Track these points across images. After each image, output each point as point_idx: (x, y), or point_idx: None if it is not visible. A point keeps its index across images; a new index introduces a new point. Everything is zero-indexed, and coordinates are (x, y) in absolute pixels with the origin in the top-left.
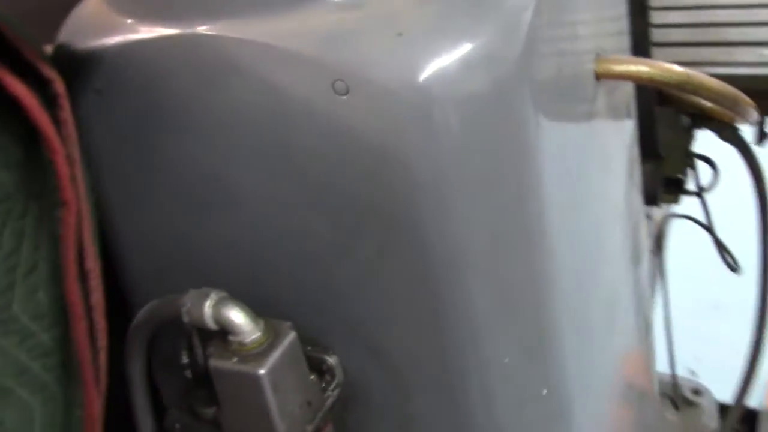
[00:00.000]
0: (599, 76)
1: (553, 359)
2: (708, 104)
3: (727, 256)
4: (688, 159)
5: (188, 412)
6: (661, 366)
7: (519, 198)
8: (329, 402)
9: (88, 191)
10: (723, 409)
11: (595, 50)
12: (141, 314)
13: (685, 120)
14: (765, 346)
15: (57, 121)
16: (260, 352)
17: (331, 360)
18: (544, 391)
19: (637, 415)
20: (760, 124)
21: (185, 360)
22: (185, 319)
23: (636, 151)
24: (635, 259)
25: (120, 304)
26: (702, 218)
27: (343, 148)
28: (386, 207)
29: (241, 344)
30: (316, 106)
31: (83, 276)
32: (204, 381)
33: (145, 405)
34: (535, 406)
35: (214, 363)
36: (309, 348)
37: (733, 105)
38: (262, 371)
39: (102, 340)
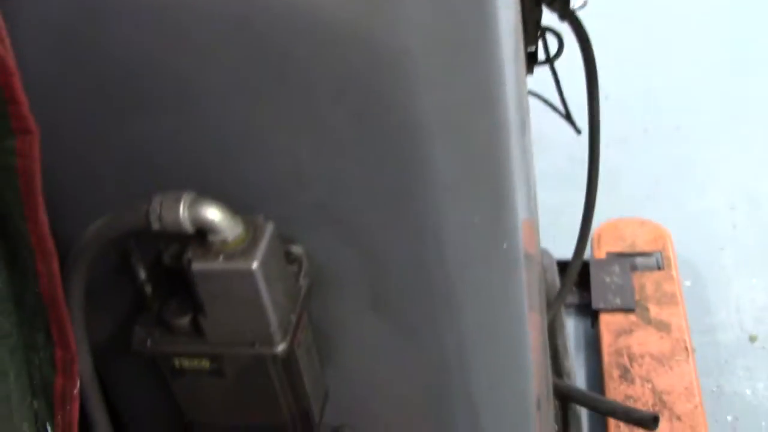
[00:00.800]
0: None
1: (512, 213)
2: None
3: (569, 118)
4: (539, 32)
5: (157, 327)
6: None
7: (481, 63)
8: (303, 290)
9: None
10: (560, 265)
11: None
12: (89, 233)
13: None
14: (595, 203)
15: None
16: (245, 248)
17: (297, 249)
18: (505, 245)
19: (532, 276)
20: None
21: (142, 276)
22: (155, 226)
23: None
24: (523, 129)
25: None
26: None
27: (312, 24)
28: (357, 81)
29: (224, 242)
30: None
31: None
32: (165, 294)
33: (82, 334)
34: (497, 260)
35: (199, 266)
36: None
37: None
38: (254, 265)
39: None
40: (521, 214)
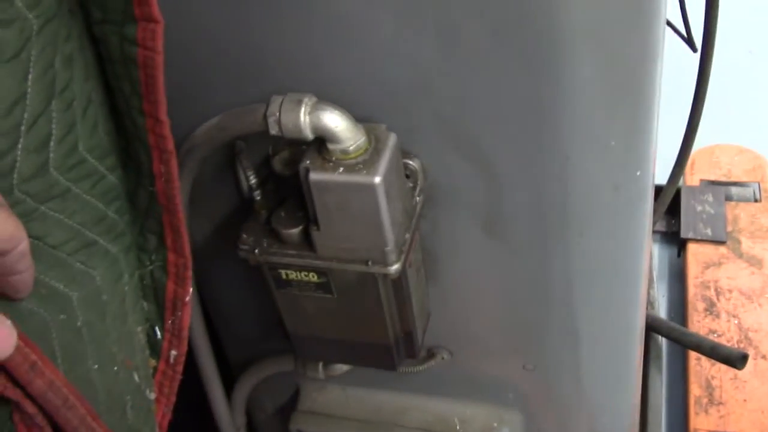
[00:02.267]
0: None
1: (649, 139)
2: None
3: (688, 35)
4: None
5: (266, 236)
6: None
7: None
8: (418, 207)
9: None
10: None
11: None
12: (199, 132)
13: None
14: (697, 129)
15: None
16: (367, 160)
17: (415, 163)
18: (638, 173)
19: None
20: None
21: (253, 181)
22: (273, 130)
23: None
24: None
25: None
26: None
27: None
28: None
29: (345, 152)
30: None
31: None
32: (277, 202)
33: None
34: (628, 189)
35: (316, 176)
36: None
37: None
38: (377, 179)
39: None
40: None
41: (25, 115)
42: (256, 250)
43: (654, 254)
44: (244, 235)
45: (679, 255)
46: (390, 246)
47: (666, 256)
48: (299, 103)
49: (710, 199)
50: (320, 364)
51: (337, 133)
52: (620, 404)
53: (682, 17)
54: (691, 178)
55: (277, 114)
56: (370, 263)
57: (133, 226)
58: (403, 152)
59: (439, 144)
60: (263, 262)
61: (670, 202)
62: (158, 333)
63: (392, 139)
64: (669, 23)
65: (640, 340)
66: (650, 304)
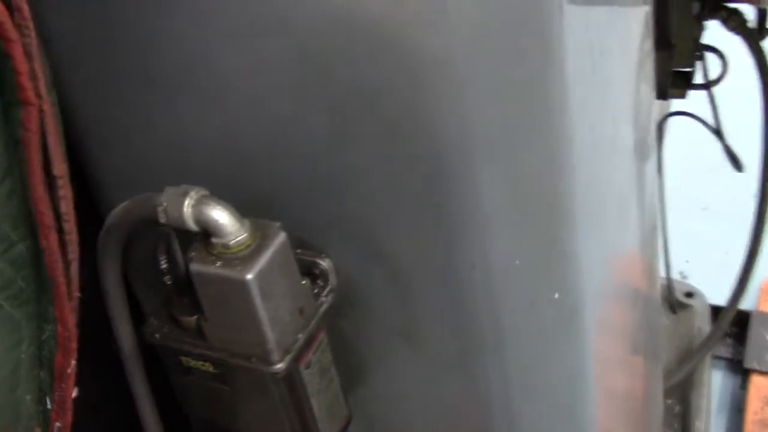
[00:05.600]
0: None
1: (567, 259)
2: None
3: (730, 152)
4: (697, 50)
5: (169, 321)
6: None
7: (541, 72)
8: (323, 308)
9: (50, 87)
10: (715, 311)
11: None
12: (112, 216)
13: (696, 6)
14: (761, 247)
15: (9, 7)
16: (247, 255)
17: (324, 263)
18: (556, 295)
19: (641, 317)
20: (762, 17)
21: (164, 265)
22: (162, 219)
23: (649, 42)
24: (643, 155)
25: (92, 213)
26: (705, 113)
27: (345, 24)
28: (393, 90)
29: (225, 246)
30: None
31: (51, 183)
32: (185, 288)
33: (122, 315)
34: (545, 310)
35: (196, 267)
36: (299, 251)
37: None
38: (249, 276)
39: (74, 252)
40: (603, 251)
41: None
42: (157, 335)
43: (715, 382)
44: (152, 319)
45: (741, 386)
46: (271, 345)
47: (729, 385)
48: (185, 195)
49: None
50: None
51: (218, 227)
52: None
53: (715, 129)
54: (766, 304)
55: (165, 204)
56: (254, 359)
57: (40, 296)
58: (314, 251)
59: (348, 245)
60: (162, 346)
61: (739, 328)
62: (48, 403)
63: (280, 238)
64: (719, 135)
65: None
66: None
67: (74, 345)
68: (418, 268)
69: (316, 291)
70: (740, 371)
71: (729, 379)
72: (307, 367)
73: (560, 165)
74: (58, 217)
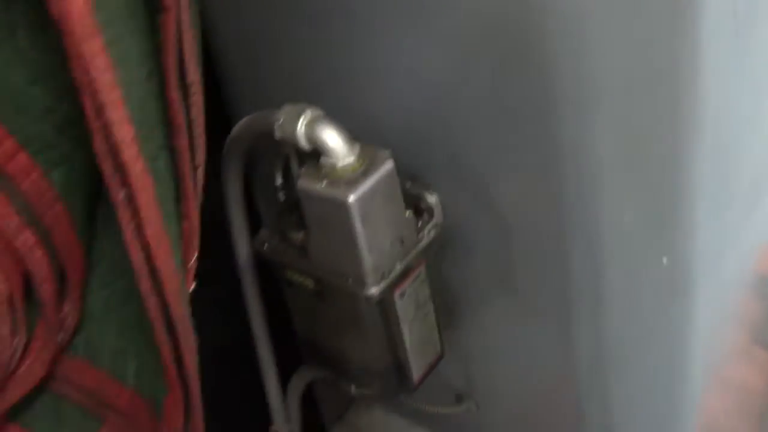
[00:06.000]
0: None
1: (680, 225)
2: None
3: None
4: None
5: (278, 235)
6: None
7: (671, 29)
8: (424, 242)
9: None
10: None
11: None
12: (236, 129)
13: None
14: None
15: None
16: (352, 178)
17: (432, 199)
18: (665, 260)
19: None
20: None
21: (279, 182)
22: (277, 135)
23: None
24: None
25: (222, 122)
26: None
27: None
28: (513, 26)
29: (333, 168)
30: None
31: (185, 90)
32: (295, 205)
33: (241, 223)
34: (652, 274)
35: (303, 185)
36: (409, 184)
37: None
38: (351, 198)
39: (201, 156)
40: (724, 228)
41: None
42: (265, 246)
43: None
44: (263, 231)
45: None
46: (367, 269)
47: None
48: (300, 113)
49: None
50: (352, 385)
51: (328, 147)
52: None
53: None
54: None
55: (281, 120)
56: (350, 281)
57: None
58: (423, 185)
59: (457, 186)
60: (268, 258)
61: None
62: None
63: (387, 165)
64: None
65: None
66: None
67: (197, 241)
68: (524, 217)
69: (420, 225)
70: None
71: None
72: (402, 296)
73: (682, 128)
74: (189, 122)
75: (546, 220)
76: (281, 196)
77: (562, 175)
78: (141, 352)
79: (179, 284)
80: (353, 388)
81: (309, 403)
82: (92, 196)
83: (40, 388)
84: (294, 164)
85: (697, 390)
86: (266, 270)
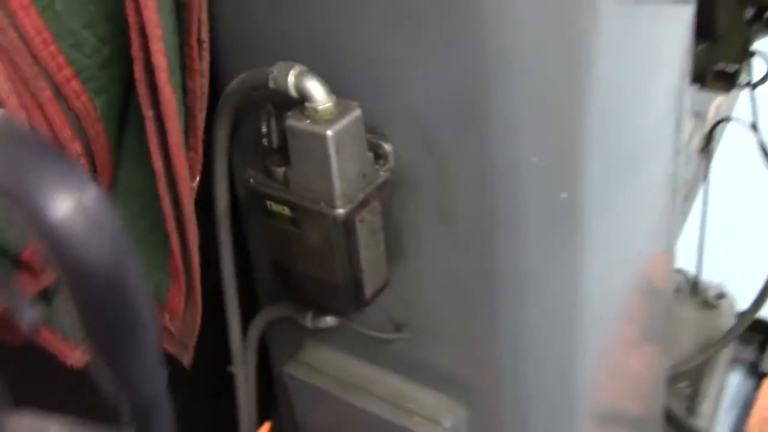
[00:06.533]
0: None
1: (576, 168)
2: None
3: (765, 149)
4: (744, 52)
5: (263, 171)
6: (692, 266)
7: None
8: (380, 179)
9: None
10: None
11: None
12: (234, 82)
13: (748, 13)
14: None
15: None
16: (329, 119)
17: (387, 147)
18: (564, 195)
19: (650, 307)
20: None
21: (264, 130)
22: (271, 84)
23: (690, 39)
24: (675, 150)
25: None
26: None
27: None
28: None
29: (315, 110)
30: None
31: (199, 43)
32: (279, 147)
33: (224, 172)
34: (554, 207)
35: (291, 123)
36: (370, 135)
37: None
38: (329, 132)
39: (204, 103)
40: (611, 179)
41: None
42: (252, 180)
43: (732, 384)
44: (250, 170)
45: (755, 389)
46: (337, 192)
47: (744, 388)
48: (291, 67)
49: None
50: (309, 314)
51: (311, 94)
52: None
53: (752, 126)
54: None
55: (275, 73)
56: (322, 204)
57: None
58: (379, 135)
59: (407, 136)
60: (254, 190)
61: (764, 338)
62: None
63: (356, 112)
64: (755, 129)
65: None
66: (698, 416)
67: (199, 167)
68: (460, 160)
69: (377, 167)
70: (757, 375)
71: (745, 382)
72: (362, 222)
73: (576, 89)
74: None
75: (477, 164)
76: (265, 141)
77: (489, 126)
78: (150, 254)
79: (190, 187)
80: (309, 320)
81: (262, 350)
82: (119, 127)
83: (55, 293)
84: (274, 118)
85: (589, 312)
86: (238, 224)
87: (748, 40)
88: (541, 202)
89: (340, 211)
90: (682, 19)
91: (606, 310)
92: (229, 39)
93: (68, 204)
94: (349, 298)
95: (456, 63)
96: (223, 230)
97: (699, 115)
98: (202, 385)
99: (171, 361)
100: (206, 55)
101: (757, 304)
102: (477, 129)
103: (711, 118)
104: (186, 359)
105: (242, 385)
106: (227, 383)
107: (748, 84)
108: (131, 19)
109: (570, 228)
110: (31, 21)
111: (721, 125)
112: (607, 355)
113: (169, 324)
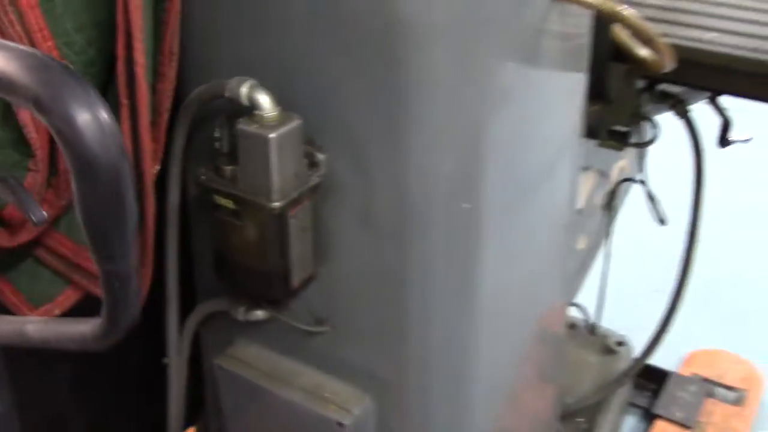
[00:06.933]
0: None
1: (477, 180)
2: (641, 54)
3: (656, 209)
4: (635, 116)
5: (213, 170)
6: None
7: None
8: (312, 182)
9: None
10: (655, 371)
11: None
12: (195, 92)
13: (640, 83)
14: (680, 306)
15: None
16: (273, 126)
17: (321, 156)
18: (466, 205)
19: (544, 346)
20: (725, 129)
21: (217, 135)
22: (227, 94)
23: (581, 103)
24: (571, 194)
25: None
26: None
27: None
28: (384, 37)
29: (262, 118)
30: None
31: (171, 54)
32: (229, 150)
33: (177, 172)
34: (456, 215)
35: (241, 126)
36: (308, 145)
37: (648, 42)
38: (272, 135)
39: (168, 103)
40: (509, 202)
41: None
42: (203, 177)
43: (627, 426)
44: (202, 168)
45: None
46: (275, 187)
47: (638, 430)
48: (244, 81)
49: (694, 389)
50: (242, 308)
51: (260, 104)
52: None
53: (641, 182)
54: (686, 369)
55: (231, 85)
56: (261, 197)
57: None
58: (316, 145)
59: (341, 147)
60: (203, 185)
61: (658, 384)
62: None
63: (296, 122)
64: (651, 198)
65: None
66: None
67: (161, 155)
68: (381, 171)
69: (311, 172)
70: (649, 418)
71: (639, 425)
72: (294, 217)
73: (479, 118)
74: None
75: (395, 175)
76: (218, 144)
77: (407, 142)
78: None
79: (152, 168)
80: (242, 313)
81: (194, 344)
82: None
83: (25, 253)
84: (226, 126)
85: (485, 347)
86: (186, 226)
87: (639, 106)
88: (447, 208)
89: (276, 204)
90: (576, 81)
91: (502, 326)
92: (196, 55)
93: (87, 116)
94: (278, 285)
95: (383, 88)
96: (172, 227)
97: (603, 173)
98: (136, 377)
99: (107, 358)
100: (174, 64)
101: (648, 351)
102: (397, 144)
103: (615, 177)
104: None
105: (175, 374)
106: (160, 377)
107: (638, 144)
108: (120, 21)
109: (471, 236)
110: (35, 18)
111: (624, 185)
112: (504, 369)
113: None
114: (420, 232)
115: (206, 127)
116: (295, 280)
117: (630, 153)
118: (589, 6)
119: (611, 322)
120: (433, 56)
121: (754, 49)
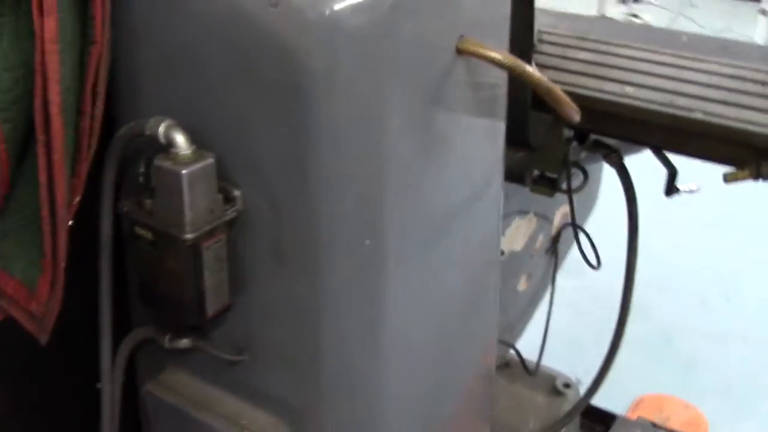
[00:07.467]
0: (459, 52)
1: (377, 220)
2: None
3: (585, 254)
4: (563, 164)
5: (135, 203)
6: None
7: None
8: (226, 217)
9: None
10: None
11: (463, 32)
12: (120, 131)
13: (568, 133)
14: (619, 348)
15: None
16: (187, 163)
17: (237, 192)
18: (367, 242)
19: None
20: (671, 178)
21: (141, 170)
22: (147, 132)
23: (501, 149)
24: (494, 249)
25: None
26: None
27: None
28: (290, 85)
29: (177, 155)
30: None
31: (94, 94)
32: (150, 184)
33: (109, 206)
34: (359, 250)
35: (157, 162)
36: (224, 181)
37: (557, 104)
38: (184, 171)
39: (95, 140)
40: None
41: None
42: (125, 208)
43: None
44: (125, 201)
45: None
46: (187, 220)
47: None
48: (162, 121)
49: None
50: (167, 337)
51: (176, 143)
52: None
53: (573, 227)
54: (634, 413)
55: (150, 124)
56: (174, 228)
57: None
58: (231, 182)
59: (254, 184)
60: (124, 215)
61: (605, 428)
62: None
63: (209, 160)
64: (583, 237)
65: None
66: None
67: (81, 190)
68: (291, 207)
69: (226, 207)
70: None
71: None
72: (207, 249)
73: (379, 162)
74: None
75: (302, 211)
76: (141, 179)
77: (313, 180)
78: (30, 254)
79: (67, 200)
80: (167, 341)
81: (128, 371)
82: (20, 151)
83: None
84: (149, 161)
85: (395, 384)
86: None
87: (567, 154)
88: (351, 246)
89: (188, 236)
90: (492, 128)
91: (415, 360)
92: (123, 96)
93: None
94: (193, 313)
95: (292, 130)
96: (104, 257)
97: (545, 218)
98: (72, 402)
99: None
100: (100, 104)
101: (590, 392)
102: (302, 183)
103: (558, 222)
104: (43, 339)
105: (107, 401)
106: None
107: (566, 191)
108: (38, 63)
109: (375, 272)
110: None
111: (567, 229)
112: (424, 403)
113: (35, 309)
114: (327, 267)
115: (137, 163)
116: (210, 309)
117: (577, 198)
118: (490, 60)
119: (562, 364)
120: (336, 104)
121: (667, 104)
